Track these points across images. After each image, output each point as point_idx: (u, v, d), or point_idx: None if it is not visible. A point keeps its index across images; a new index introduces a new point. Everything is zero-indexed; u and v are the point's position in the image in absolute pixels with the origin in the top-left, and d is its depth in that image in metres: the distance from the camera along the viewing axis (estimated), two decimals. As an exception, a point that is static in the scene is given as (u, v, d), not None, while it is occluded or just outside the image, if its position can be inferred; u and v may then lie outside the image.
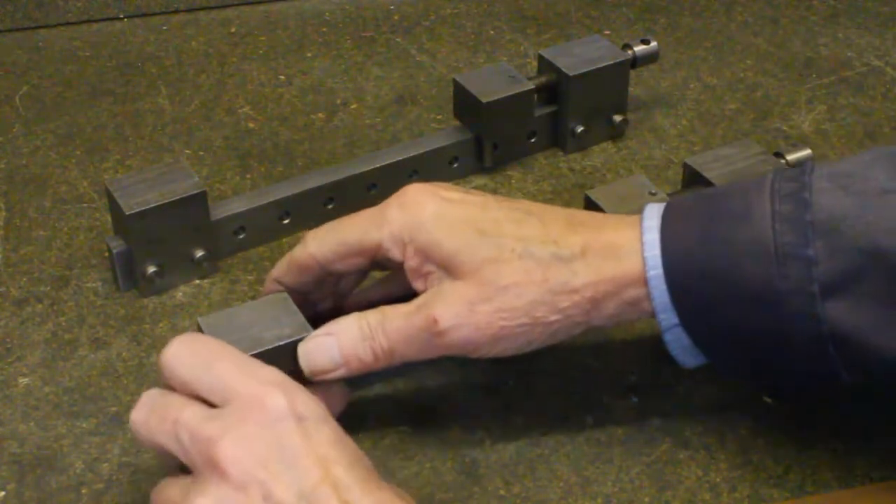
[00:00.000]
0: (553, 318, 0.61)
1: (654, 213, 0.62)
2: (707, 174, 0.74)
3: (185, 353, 0.59)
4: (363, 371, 0.63)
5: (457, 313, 0.61)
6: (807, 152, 0.77)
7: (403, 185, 0.80)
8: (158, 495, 0.58)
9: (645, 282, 0.61)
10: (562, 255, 0.61)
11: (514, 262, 0.61)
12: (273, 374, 0.57)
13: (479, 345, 0.62)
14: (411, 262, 0.63)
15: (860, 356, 0.57)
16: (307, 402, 0.56)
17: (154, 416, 0.57)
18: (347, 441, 0.56)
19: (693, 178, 0.75)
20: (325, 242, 0.65)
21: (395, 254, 0.64)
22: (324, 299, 0.69)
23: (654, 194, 0.73)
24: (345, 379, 0.64)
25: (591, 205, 0.73)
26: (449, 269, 0.62)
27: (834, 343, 0.57)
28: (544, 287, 0.61)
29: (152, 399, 0.58)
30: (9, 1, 1.02)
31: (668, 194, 0.73)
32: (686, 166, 0.76)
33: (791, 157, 0.76)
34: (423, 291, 0.63)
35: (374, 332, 0.62)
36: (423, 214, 0.63)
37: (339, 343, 0.62)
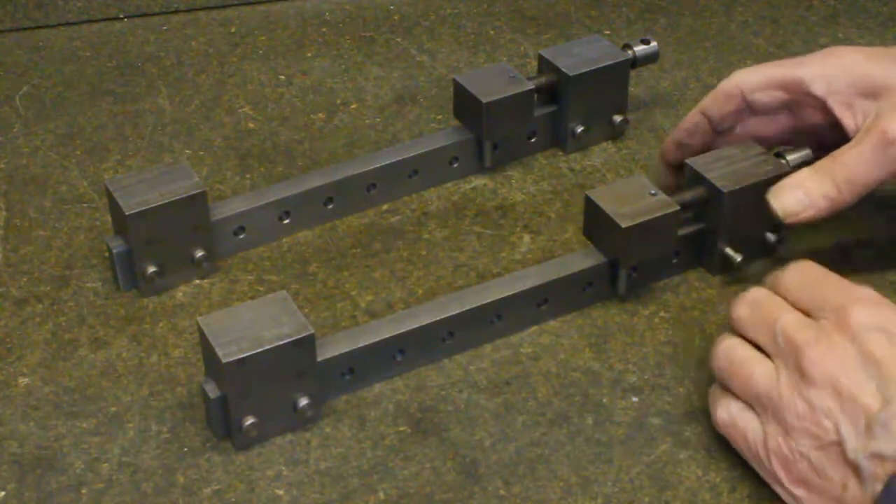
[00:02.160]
0: None
1: None
2: (708, 175, 0.74)
3: (799, 275, 0.64)
4: (831, 210, 0.70)
5: None
6: (806, 152, 0.77)
7: (403, 186, 0.81)
8: (741, 367, 0.63)
9: None
10: None
11: None
12: (867, 291, 0.61)
13: None
14: (836, 96, 0.72)
15: None
16: (894, 317, 0.59)
17: (757, 312, 0.63)
18: None
19: (693, 179, 0.75)
20: (750, 73, 0.76)
21: (818, 88, 0.73)
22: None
23: (654, 194, 0.73)
24: (812, 221, 0.71)
25: (591, 205, 0.73)
26: (881, 94, 0.70)
27: None
28: None
29: (758, 297, 0.64)
30: (9, 1, 1.02)
31: (669, 195, 0.73)
32: (686, 166, 0.76)
33: (791, 157, 0.76)
34: (849, 124, 0.72)
35: (829, 169, 0.70)
36: (848, 54, 0.73)
37: (804, 186, 0.70)
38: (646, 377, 0.70)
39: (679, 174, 0.78)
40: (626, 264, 0.73)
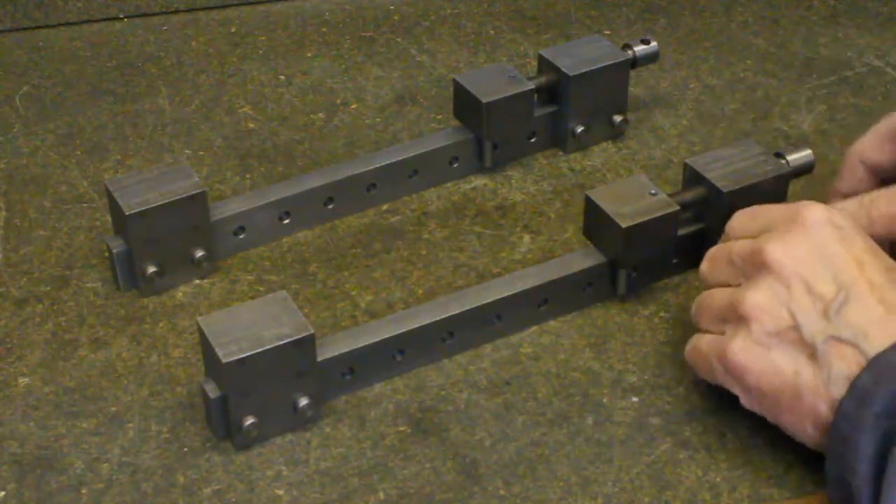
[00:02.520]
0: None
1: None
2: (707, 174, 0.74)
3: (742, 215, 0.68)
4: None
5: None
6: (807, 152, 0.77)
7: (403, 186, 0.81)
8: (706, 299, 0.66)
9: None
10: None
11: None
12: (812, 202, 0.64)
13: None
14: None
15: None
16: (843, 217, 0.63)
17: (714, 260, 0.67)
18: (880, 252, 0.62)
19: (693, 179, 0.75)
20: (862, 138, 0.73)
21: None
22: None
23: (654, 194, 0.73)
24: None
25: (591, 205, 0.73)
26: None
27: None
28: None
29: (713, 250, 0.67)
30: (9, 1, 1.02)
31: (668, 195, 0.73)
32: (686, 166, 0.76)
33: (791, 157, 0.76)
34: None
35: (873, 199, 0.68)
36: None
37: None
38: (646, 377, 0.70)
39: None
40: (626, 264, 0.73)
